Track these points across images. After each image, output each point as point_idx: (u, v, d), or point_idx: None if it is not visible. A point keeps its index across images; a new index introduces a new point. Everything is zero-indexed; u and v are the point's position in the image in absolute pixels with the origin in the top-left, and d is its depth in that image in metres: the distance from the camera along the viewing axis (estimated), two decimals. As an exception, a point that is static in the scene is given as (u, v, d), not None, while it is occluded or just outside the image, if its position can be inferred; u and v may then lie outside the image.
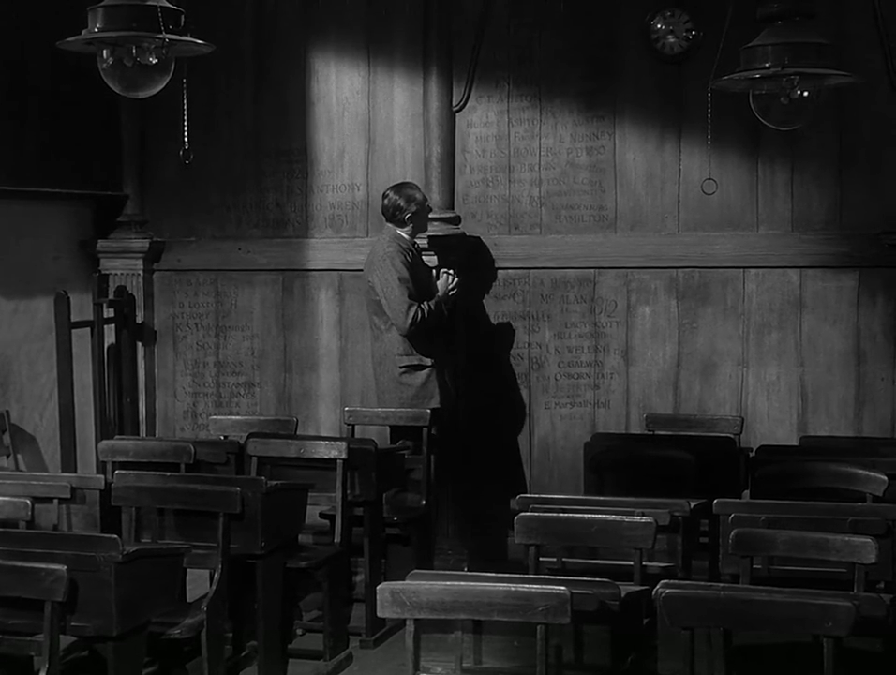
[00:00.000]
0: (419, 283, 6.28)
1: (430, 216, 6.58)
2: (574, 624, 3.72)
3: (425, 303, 6.23)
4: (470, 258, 6.71)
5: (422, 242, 6.45)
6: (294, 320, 7.11)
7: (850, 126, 6.38)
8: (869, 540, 4.07)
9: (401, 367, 6.29)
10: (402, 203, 6.29)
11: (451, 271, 6.43)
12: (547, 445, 6.81)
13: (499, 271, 6.81)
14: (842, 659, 3.37)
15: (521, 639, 3.77)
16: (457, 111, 6.79)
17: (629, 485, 5.51)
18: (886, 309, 6.36)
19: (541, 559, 4.45)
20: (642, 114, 6.60)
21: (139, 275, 7.18)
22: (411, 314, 6.15)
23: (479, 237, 6.77)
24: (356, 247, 6.90)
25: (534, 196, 6.76)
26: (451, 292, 6.40)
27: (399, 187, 6.38)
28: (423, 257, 6.45)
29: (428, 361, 6.29)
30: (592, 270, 6.71)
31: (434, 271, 6.49)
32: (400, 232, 6.31)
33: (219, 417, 6.54)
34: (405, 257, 6.24)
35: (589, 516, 4.43)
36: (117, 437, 6.46)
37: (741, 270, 6.53)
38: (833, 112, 6.23)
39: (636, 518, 4.34)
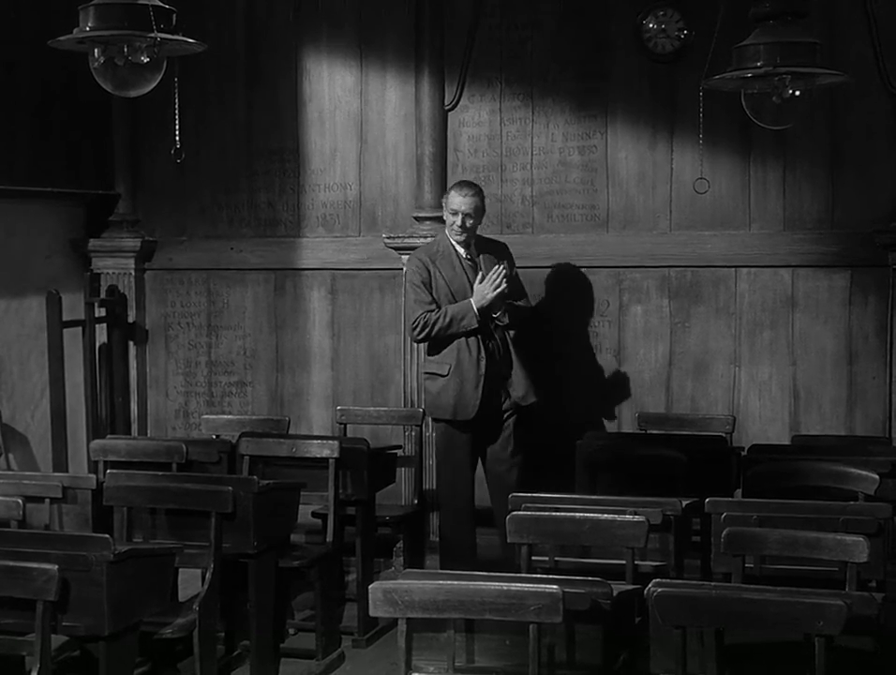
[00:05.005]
0: (445, 286, 5.96)
1: (422, 215, 6.65)
2: (566, 623, 3.71)
3: (448, 307, 5.88)
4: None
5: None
6: (286, 319, 7.10)
7: (842, 125, 6.38)
8: (861, 539, 4.07)
9: (425, 372, 6.15)
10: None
11: (503, 266, 5.86)
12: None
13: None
14: (833, 658, 3.37)
15: (513, 638, 3.77)
16: (450, 110, 6.78)
17: (621, 484, 5.50)
18: (877, 309, 6.36)
19: (533, 558, 4.45)
20: (634, 114, 6.60)
21: (130, 274, 7.17)
22: (415, 319, 5.93)
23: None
24: (348, 247, 6.90)
25: (526, 195, 6.76)
26: (497, 291, 5.80)
27: (469, 186, 6.07)
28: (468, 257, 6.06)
29: (445, 371, 5.97)
30: (584, 269, 6.70)
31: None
32: (447, 231, 6.06)
33: (211, 417, 6.54)
34: (422, 260, 5.96)
35: (582, 515, 4.42)
36: (109, 436, 6.47)
37: (733, 269, 6.53)
38: (825, 111, 6.24)
39: (628, 517, 4.34)
